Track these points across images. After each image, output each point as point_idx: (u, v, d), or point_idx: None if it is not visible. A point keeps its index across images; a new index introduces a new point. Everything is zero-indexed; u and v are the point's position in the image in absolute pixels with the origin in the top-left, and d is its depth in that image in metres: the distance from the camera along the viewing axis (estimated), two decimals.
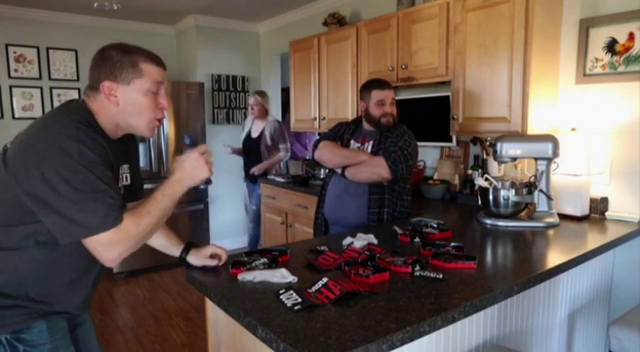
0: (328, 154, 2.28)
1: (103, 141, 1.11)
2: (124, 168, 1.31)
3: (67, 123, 1.07)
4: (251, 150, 4.05)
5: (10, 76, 4.17)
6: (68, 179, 1.01)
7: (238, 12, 4.45)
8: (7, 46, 4.13)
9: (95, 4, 3.51)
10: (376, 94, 2.23)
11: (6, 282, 1.14)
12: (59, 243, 1.10)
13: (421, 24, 2.69)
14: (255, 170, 3.94)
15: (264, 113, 4.00)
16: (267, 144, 3.95)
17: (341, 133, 2.38)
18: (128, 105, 1.17)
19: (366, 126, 2.33)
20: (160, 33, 4.94)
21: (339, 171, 2.27)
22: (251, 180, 4.06)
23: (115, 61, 1.15)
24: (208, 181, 1.14)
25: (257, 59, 5.06)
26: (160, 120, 1.24)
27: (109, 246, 1.05)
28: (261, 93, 4.04)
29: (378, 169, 2.12)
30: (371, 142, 2.25)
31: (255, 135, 4.04)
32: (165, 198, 1.16)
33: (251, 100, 4.03)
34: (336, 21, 3.56)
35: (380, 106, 2.22)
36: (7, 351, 1.14)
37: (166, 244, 1.49)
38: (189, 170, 1.18)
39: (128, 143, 1.34)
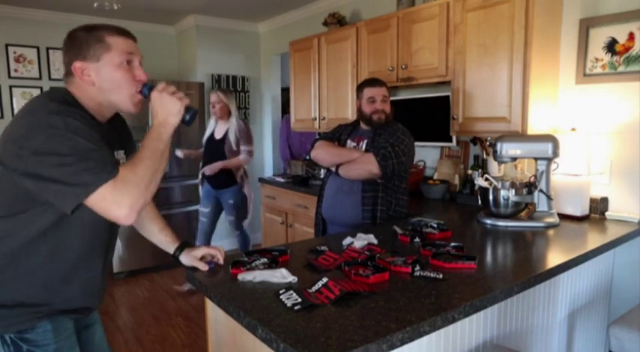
0: (323, 153, 2.31)
1: (89, 118, 1.12)
2: (120, 154, 1.30)
3: (48, 102, 1.08)
4: (214, 154, 3.60)
5: (10, 76, 4.17)
6: (58, 148, 1.01)
7: (238, 12, 4.45)
8: (7, 46, 4.13)
9: (95, 4, 3.51)
10: (367, 92, 2.27)
11: (10, 281, 1.14)
12: (61, 232, 1.11)
13: (421, 24, 2.69)
14: (207, 170, 3.50)
15: (226, 113, 3.56)
16: (232, 147, 3.52)
17: (339, 134, 2.41)
18: (103, 82, 1.16)
19: (363, 125, 2.35)
20: (160, 33, 4.94)
21: (333, 169, 2.29)
22: (215, 185, 3.63)
23: (81, 40, 1.15)
24: (189, 110, 1.08)
25: (257, 59, 5.06)
26: (143, 93, 1.21)
27: (115, 201, 1.03)
28: (225, 92, 3.59)
29: (368, 166, 2.12)
30: (366, 141, 2.27)
31: (218, 136, 3.62)
32: (152, 141, 1.13)
33: (212, 97, 3.55)
34: (336, 21, 3.56)
35: (371, 103, 2.25)
36: (10, 350, 1.13)
37: (162, 241, 1.50)
38: (160, 111, 1.17)
39: (120, 130, 1.34)
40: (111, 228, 1.29)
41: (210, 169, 3.49)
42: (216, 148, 3.59)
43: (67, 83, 1.19)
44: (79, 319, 1.31)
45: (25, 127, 1.03)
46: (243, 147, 3.55)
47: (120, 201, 1.03)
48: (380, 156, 2.10)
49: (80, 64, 1.14)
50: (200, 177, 3.73)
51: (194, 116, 1.21)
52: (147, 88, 1.19)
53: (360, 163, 2.15)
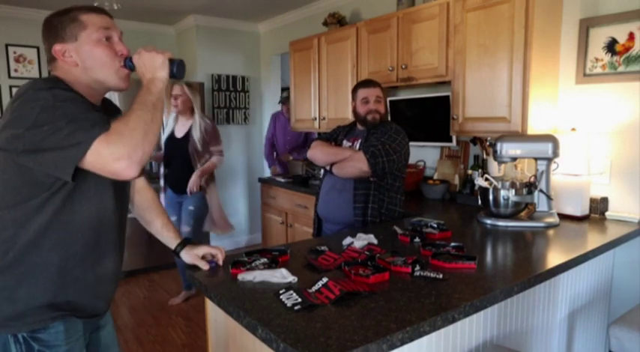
0: (318, 153, 2.34)
1: (80, 95, 1.12)
2: None
3: (36, 83, 1.08)
4: (176, 154, 3.31)
5: (10, 76, 4.17)
6: (50, 118, 1.01)
7: (238, 12, 4.45)
8: (7, 46, 4.13)
9: (95, 4, 3.51)
10: (361, 92, 2.31)
11: (24, 280, 1.13)
12: (63, 230, 1.11)
13: (421, 24, 2.69)
14: (193, 186, 3.22)
15: (188, 108, 3.29)
16: (197, 147, 3.24)
17: (336, 135, 2.44)
18: (86, 60, 1.16)
19: (359, 126, 2.38)
20: (160, 33, 4.94)
21: (328, 168, 2.32)
22: (178, 190, 3.34)
23: (56, 23, 1.16)
24: (174, 61, 1.08)
25: (257, 59, 5.06)
26: (127, 66, 1.20)
27: (111, 154, 1.01)
28: (190, 86, 3.33)
29: (358, 163, 2.14)
30: (360, 140, 2.30)
31: (179, 135, 3.32)
32: (141, 96, 1.12)
33: (175, 89, 3.25)
34: (336, 21, 3.56)
35: (365, 104, 2.28)
36: (22, 349, 1.13)
37: (164, 236, 1.51)
38: (146, 70, 1.16)
39: (117, 115, 1.34)
40: (119, 226, 1.29)
41: (193, 184, 3.21)
42: (179, 148, 3.30)
43: (53, 70, 1.19)
44: (91, 322, 1.30)
45: (17, 109, 1.04)
46: (214, 148, 3.33)
47: (116, 152, 1.01)
48: (369, 154, 2.12)
49: (60, 46, 1.15)
50: (162, 183, 3.46)
51: (182, 66, 1.20)
52: (129, 60, 1.19)
53: (351, 161, 2.18)
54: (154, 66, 1.16)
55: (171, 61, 1.18)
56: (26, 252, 1.12)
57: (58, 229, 1.13)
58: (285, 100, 4.43)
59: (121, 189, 1.28)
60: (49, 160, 1.02)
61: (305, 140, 4.50)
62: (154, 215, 1.50)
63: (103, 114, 1.09)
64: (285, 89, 4.96)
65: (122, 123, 1.05)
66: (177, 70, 1.18)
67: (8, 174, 1.09)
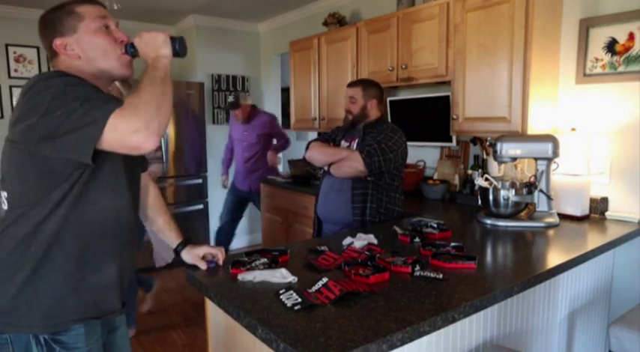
0: (316, 154, 2.36)
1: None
2: None
3: (44, 74, 1.09)
4: None
5: (10, 76, 4.17)
6: (63, 102, 1.00)
7: (238, 12, 4.45)
8: (7, 46, 4.13)
9: None
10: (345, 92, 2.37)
11: (47, 278, 1.12)
12: (77, 228, 1.11)
13: (421, 24, 2.69)
14: None
15: None
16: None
17: (334, 135, 2.45)
18: (88, 51, 1.16)
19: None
20: None
21: (326, 168, 2.32)
22: None
23: (52, 19, 1.16)
24: (174, 39, 1.09)
25: (257, 59, 5.06)
26: (129, 52, 1.21)
27: (128, 128, 1.00)
28: (125, 84, 2.68)
29: (354, 163, 2.15)
30: (357, 140, 2.31)
31: None
32: (148, 73, 1.12)
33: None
34: (336, 21, 3.56)
35: (348, 103, 2.35)
36: (43, 350, 1.13)
37: (166, 234, 1.51)
38: (149, 51, 1.16)
39: None
40: (134, 219, 1.28)
41: None
42: None
43: (55, 65, 1.19)
44: (107, 322, 1.30)
45: (28, 102, 1.04)
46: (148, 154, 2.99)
47: (133, 125, 1.00)
48: (365, 153, 2.13)
49: (60, 40, 1.15)
50: None
51: (183, 43, 1.20)
52: (131, 46, 1.20)
53: (347, 161, 2.18)
54: (156, 44, 1.16)
55: (172, 39, 1.19)
56: (47, 245, 1.11)
57: (75, 220, 1.13)
58: (232, 106, 3.85)
59: (133, 180, 1.28)
60: (67, 144, 1.01)
61: (270, 139, 4.02)
62: (156, 213, 1.51)
63: (115, 97, 1.09)
64: (287, 89, 4.93)
65: (134, 97, 1.05)
66: (179, 46, 1.19)
67: (25, 169, 1.09)
